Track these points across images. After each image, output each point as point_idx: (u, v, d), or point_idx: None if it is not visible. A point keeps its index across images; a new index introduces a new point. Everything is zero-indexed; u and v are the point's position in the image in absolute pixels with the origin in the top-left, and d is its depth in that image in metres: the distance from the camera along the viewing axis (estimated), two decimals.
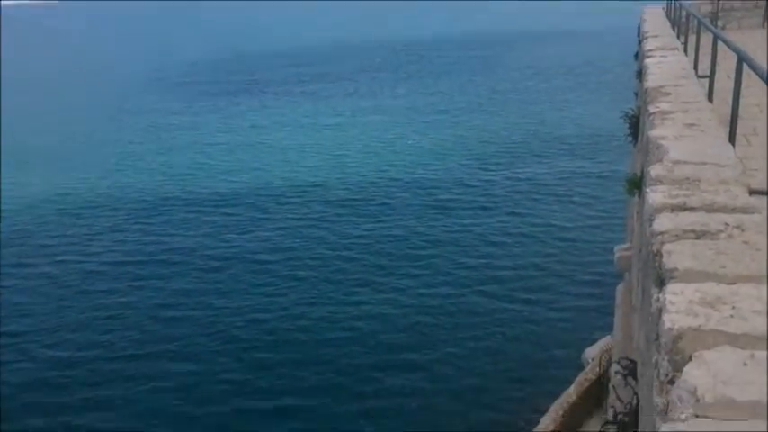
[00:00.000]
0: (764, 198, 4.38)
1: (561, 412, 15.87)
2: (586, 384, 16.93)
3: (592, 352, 18.35)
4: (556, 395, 16.71)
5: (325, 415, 20.56)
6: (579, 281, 28.55)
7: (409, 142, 50.80)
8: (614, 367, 5.11)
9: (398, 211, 37.52)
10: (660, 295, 3.51)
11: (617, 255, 9.28)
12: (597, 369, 17.23)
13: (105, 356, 23.74)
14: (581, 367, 18.38)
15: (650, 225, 4.25)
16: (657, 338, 3.37)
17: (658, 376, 3.13)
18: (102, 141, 54.53)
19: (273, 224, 35.77)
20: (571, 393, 16.53)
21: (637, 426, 4.34)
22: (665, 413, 2.84)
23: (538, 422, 15.86)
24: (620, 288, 13.73)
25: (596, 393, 17.10)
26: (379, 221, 35.76)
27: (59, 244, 33.71)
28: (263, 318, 26.04)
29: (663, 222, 4.11)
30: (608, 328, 17.39)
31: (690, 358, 2.90)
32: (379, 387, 21.70)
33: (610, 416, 4.67)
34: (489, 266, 30.03)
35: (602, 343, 17.79)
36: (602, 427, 4.87)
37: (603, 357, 16.89)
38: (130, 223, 36.41)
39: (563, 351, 23.08)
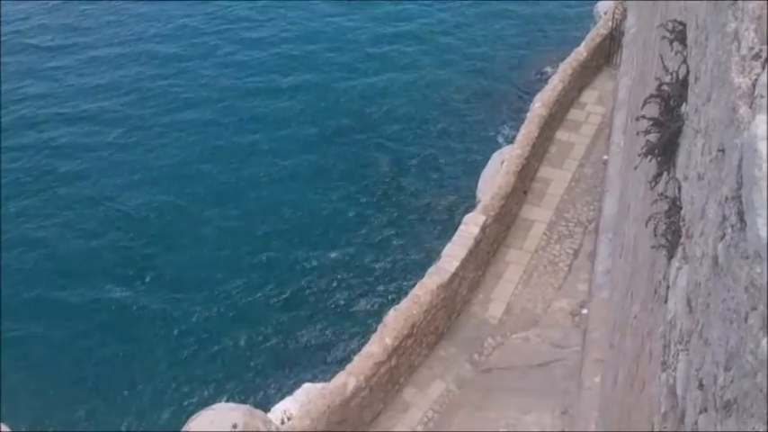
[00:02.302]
0: None
1: (570, 71, 15.54)
2: (598, 40, 16.35)
3: (604, 6, 17.41)
4: (566, 53, 16.26)
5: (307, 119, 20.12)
6: None
7: None
8: (659, 31, 4.54)
9: None
10: None
11: None
12: (609, 23, 16.51)
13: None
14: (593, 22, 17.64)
15: None
16: (735, 2, 2.77)
17: (738, 50, 2.59)
18: None
19: None
20: (581, 51, 16.03)
21: (684, 98, 3.88)
22: (749, 97, 2.37)
23: (546, 82, 15.63)
24: None
25: (607, 48, 16.64)
26: None
27: None
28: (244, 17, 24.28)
29: None
30: None
31: None
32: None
33: (653, 89, 4.24)
34: None
35: None
36: (644, 101, 4.49)
37: (617, 11, 16.04)
38: None
39: (574, 8, 22.07)
